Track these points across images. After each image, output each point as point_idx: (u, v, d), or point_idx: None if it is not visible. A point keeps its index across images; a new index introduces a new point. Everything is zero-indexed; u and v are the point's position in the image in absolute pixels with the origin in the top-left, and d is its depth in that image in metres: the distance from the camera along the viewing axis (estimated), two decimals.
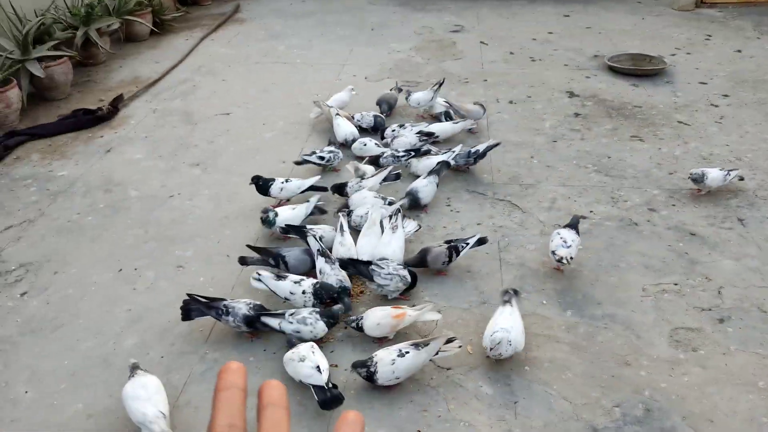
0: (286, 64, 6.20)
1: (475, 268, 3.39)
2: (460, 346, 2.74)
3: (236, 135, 4.85)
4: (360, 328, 2.83)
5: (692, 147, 4.52)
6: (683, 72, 5.75)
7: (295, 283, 3.02)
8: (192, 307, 2.91)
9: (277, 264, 3.25)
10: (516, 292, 2.92)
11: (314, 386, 2.54)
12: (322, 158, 4.14)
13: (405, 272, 3.08)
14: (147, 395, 2.47)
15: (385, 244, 3.29)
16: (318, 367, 2.56)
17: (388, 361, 2.59)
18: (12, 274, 3.47)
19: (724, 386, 2.67)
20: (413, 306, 2.96)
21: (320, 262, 3.13)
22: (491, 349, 2.67)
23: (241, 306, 2.87)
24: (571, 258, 3.17)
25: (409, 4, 7.92)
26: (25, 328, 3.10)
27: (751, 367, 2.75)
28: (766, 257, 3.40)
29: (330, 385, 2.56)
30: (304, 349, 2.65)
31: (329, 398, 2.52)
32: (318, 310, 2.90)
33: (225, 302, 2.89)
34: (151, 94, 5.59)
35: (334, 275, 3.07)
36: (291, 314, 2.84)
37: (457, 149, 4.12)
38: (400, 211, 3.44)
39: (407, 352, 2.61)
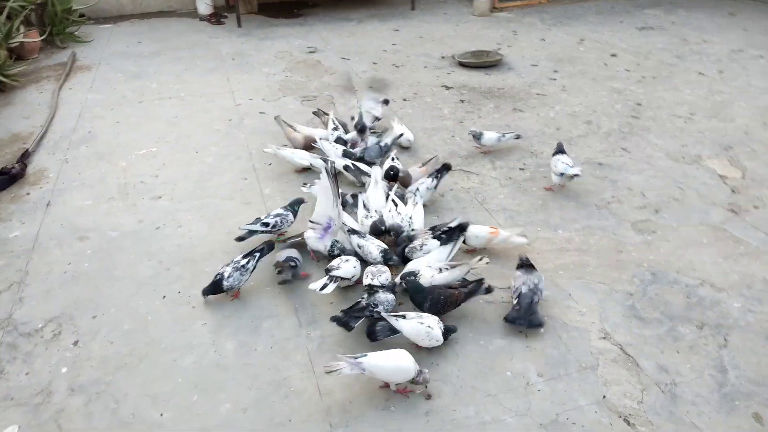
0: (173, 98, 6.22)
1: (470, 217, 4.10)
2: (487, 262, 3.39)
3: (177, 165, 4.88)
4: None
5: (558, 109, 5.78)
6: (515, 60, 7.13)
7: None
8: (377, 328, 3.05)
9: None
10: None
11: None
12: (266, 224, 3.77)
13: None
14: None
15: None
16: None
17: (428, 275, 3.29)
18: (45, 330, 3.25)
19: (686, 248, 3.76)
20: None
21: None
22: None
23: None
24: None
25: (251, 34, 8.32)
26: (108, 368, 3.00)
27: (693, 234, 3.90)
28: (656, 169, 4.67)
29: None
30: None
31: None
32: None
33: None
34: (48, 148, 5.24)
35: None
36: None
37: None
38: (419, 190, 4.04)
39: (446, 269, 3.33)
